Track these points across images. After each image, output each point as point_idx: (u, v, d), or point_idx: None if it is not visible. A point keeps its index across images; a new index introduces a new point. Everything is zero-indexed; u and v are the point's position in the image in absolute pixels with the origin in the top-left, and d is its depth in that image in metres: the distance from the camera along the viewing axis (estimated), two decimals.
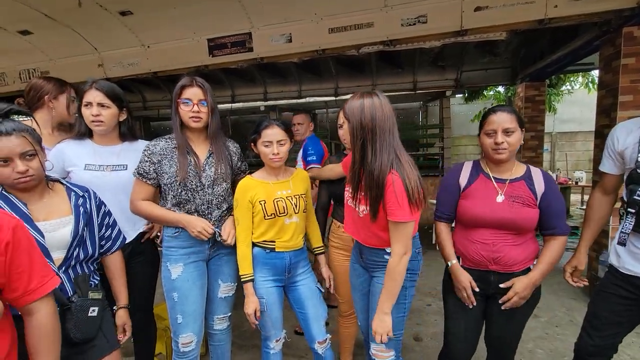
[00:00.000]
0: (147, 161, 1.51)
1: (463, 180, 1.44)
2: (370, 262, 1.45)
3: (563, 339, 2.40)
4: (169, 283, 1.56)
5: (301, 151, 2.72)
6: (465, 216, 1.41)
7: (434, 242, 4.69)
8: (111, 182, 1.57)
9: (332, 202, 1.92)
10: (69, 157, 1.55)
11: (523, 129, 1.37)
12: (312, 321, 1.61)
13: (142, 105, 6.13)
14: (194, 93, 1.50)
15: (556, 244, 1.36)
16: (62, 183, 1.29)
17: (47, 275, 0.97)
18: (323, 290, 1.70)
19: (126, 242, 1.60)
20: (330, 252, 1.88)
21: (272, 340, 1.63)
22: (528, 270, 1.38)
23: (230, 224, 1.58)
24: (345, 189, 1.45)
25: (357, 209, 1.35)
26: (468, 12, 2.71)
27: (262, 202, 1.51)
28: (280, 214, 1.53)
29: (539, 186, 1.35)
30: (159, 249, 1.77)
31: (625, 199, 1.36)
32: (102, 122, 1.54)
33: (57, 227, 1.18)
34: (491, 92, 8.00)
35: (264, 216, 1.52)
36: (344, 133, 1.33)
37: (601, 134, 2.87)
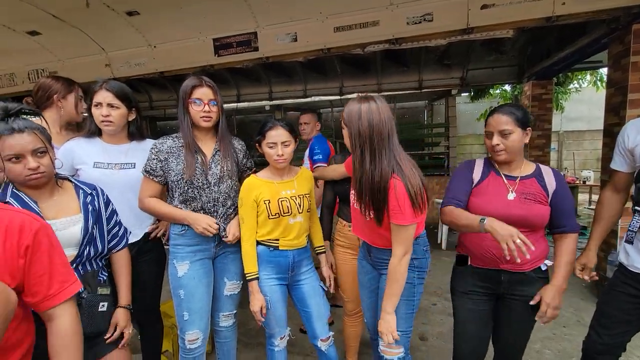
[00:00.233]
0: (154, 159, 1.53)
1: (476, 175, 1.43)
2: (378, 260, 1.45)
3: (571, 339, 2.38)
4: (175, 280, 1.57)
5: (307, 150, 2.73)
6: (477, 212, 1.37)
7: (439, 241, 4.68)
8: (119, 180, 1.59)
9: (337, 200, 1.93)
10: (79, 155, 1.57)
11: (528, 129, 1.35)
12: (315, 319, 1.62)
13: (149, 104, 6.18)
14: (204, 93, 1.51)
15: (569, 242, 1.35)
16: (70, 181, 1.31)
17: (67, 280, 0.97)
18: (326, 289, 1.70)
19: (133, 240, 1.62)
20: (335, 250, 1.88)
21: (276, 338, 1.64)
22: (538, 269, 1.36)
23: (235, 225, 1.59)
24: (351, 190, 1.45)
25: (363, 212, 1.35)
26: (474, 10, 2.69)
27: (267, 202, 1.52)
28: (284, 213, 1.54)
29: (550, 183, 1.34)
30: (165, 247, 1.79)
31: (634, 197, 1.35)
32: (111, 122, 1.56)
33: (67, 225, 1.20)
34: (497, 91, 7.94)
35: (268, 216, 1.53)
36: (345, 137, 1.32)
37: (610, 133, 2.83)
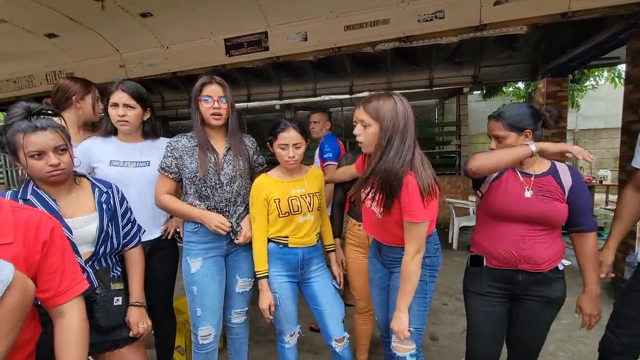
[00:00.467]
0: (169, 156, 1.56)
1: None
2: (388, 258, 1.45)
3: (586, 342, 2.33)
4: (188, 277, 1.60)
5: (318, 149, 2.74)
6: (494, 210, 1.36)
7: (450, 241, 4.63)
8: (135, 177, 1.63)
9: (348, 199, 1.93)
10: (95, 153, 1.61)
11: (526, 131, 1.31)
12: (328, 318, 1.62)
13: (161, 105, 6.28)
14: (213, 90, 1.53)
15: (590, 245, 1.33)
16: (87, 178, 1.34)
17: (77, 277, 0.99)
18: (338, 287, 1.71)
19: (149, 238, 1.66)
20: (346, 249, 1.89)
21: (286, 335, 1.66)
22: (556, 269, 1.34)
23: (247, 226, 1.61)
24: (362, 192, 1.45)
25: (374, 209, 1.36)
26: (487, 7, 2.65)
27: (277, 201, 1.53)
28: (294, 212, 1.55)
29: (567, 181, 1.32)
30: (178, 245, 1.82)
31: None
32: (127, 122, 1.60)
33: (83, 224, 1.23)
34: (510, 89, 7.80)
35: (278, 214, 1.54)
36: (369, 134, 1.29)
37: (628, 131, 2.75)
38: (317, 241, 1.67)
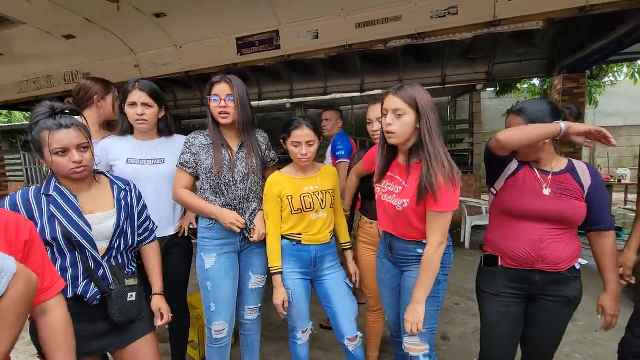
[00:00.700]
0: (187, 152, 1.60)
1: (513, 164, 1.38)
2: (400, 257, 1.44)
3: (603, 344, 2.27)
4: (203, 272, 1.63)
5: (330, 147, 2.73)
6: (511, 208, 1.33)
7: (462, 240, 4.58)
8: (151, 174, 1.67)
9: (359, 197, 1.93)
10: (112, 152, 1.65)
11: None
12: (340, 316, 1.62)
13: (174, 104, 6.37)
14: (221, 89, 1.55)
15: (609, 244, 1.30)
16: (106, 176, 1.38)
17: (56, 276, 1.01)
18: (352, 286, 1.71)
19: (164, 235, 1.70)
20: (358, 247, 1.89)
21: (298, 331, 1.67)
22: (573, 268, 1.31)
23: (261, 224, 1.63)
24: (376, 186, 1.45)
25: (394, 203, 1.35)
26: (502, 2, 2.59)
27: (289, 198, 1.55)
28: (306, 209, 1.56)
29: (585, 179, 1.29)
30: (193, 241, 1.86)
31: None
32: (145, 120, 1.65)
33: (102, 220, 1.27)
34: (525, 85, 7.64)
35: (291, 211, 1.55)
36: (403, 123, 1.28)
37: None
38: (331, 239, 1.68)
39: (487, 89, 6.99)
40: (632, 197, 6.53)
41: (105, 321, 1.26)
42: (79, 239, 1.19)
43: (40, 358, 1.22)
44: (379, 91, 5.17)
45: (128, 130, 1.71)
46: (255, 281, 1.73)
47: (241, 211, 1.62)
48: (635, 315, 1.42)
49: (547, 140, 1.27)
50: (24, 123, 10.33)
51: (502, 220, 1.38)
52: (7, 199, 1.16)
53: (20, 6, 2.77)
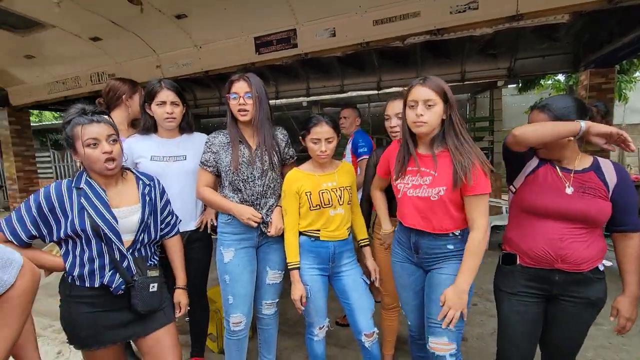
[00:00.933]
0: (208, 151, 1.65)
1: (533, 162, 1.35)
2: (427, 256, 1.42)
3: (629, 350, 2.18)
4: (221, 266, 1.68)
5: (350, 145, 2.71)
6: (532, 205, 1.31)
7: None
8: (174, 171, 1.73)
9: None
10: (137, 150, 1.72)
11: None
12: (357, 312, 1.63)
13: (194, 103, 6.52)
14: (240, 87, 1.59)
15: (633, 244, 1.25)
16: (132, 171, 1.44)
17: None
18: (369, 282, 1.71)
19: (185, 230, 1.75)
20: (374, 244, 1.89)
21: (315, 327, 1.69)
22: (596, 269, 1.27)
23: (277, 217, 1.66)
24: (397, 184, 1.43)
25: (426, 194, 1.34)
26: None
27: (308, 194, 1.56)
28: (325, 205, 1.57)
29: (611, 177, 1.24)
30: (213, 237, 1.91)
31: None
32: (174, 118, 1.72)
33: (128, 214, 1.33)
34: (549, 81, 7.38)
35: (310, 207, 1.57)
36: (434, 113, 1.31)
37: None
38: (348, 235, 1.69)
39: (509, 86, 6.80)
40: None
41: (129, 310, 1.32)
42: (106, 231, 1.25)
43: (68, 342, 1.30)
44: (397, 89, 5.10)
45: (151, 128, 1.77)
46: (273, 276, 1.76)
47: (258, 207, 1.65)
48: None
49: (572, 138, 1.24)
50: (53, 122, 10.82)
51: (521, 218, 1.36)
52: (42, 190, 1.24)
53: (51, 10, 2.91)
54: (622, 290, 1.30)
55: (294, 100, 6.27)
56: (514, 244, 1.37)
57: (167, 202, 1.51)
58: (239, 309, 1.67)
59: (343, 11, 3.04)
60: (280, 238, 1.67)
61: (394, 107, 1.74)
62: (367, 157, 2.49)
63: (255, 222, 1.58)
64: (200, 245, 1.84)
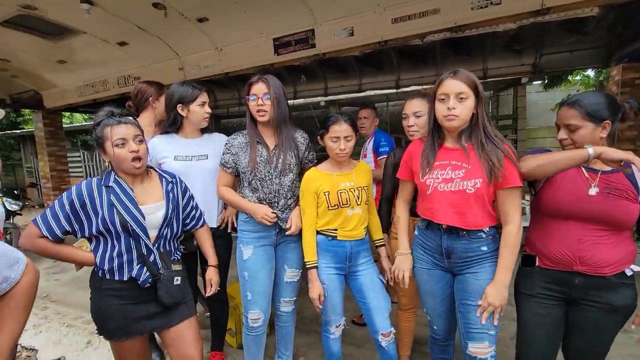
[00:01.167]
0: (227, 153, 1.70)
1: None
2: (461, 260, 1.38)
3: None
4: (241, 263, 1.72)
5: (371, 144, 2.71)
6: (552, 206, 1.27)
7: None
8: (197, 170, 1.79)
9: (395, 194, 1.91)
10: (161, 150, 1.79)
11: (605, 122, 1.20)
12: (374, 312, 1.63)
13: (214, 104, 6.66)
14: (258, 88, 1.62)
15: None
16: (155, 170, 1.51)
17: None
18: (386, 282, 1.71)
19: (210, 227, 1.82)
20: (392, 244, 1.88)
21: (332, 326, 1.70)
22: (622, 274, 1.21)
23: (296, 215, 1.68)
24: (426, 180, 1.39)
25: (461, 187, 1.31)
26: None
27: (326, 193, 1.58)
28: (343, 205, 1.58)
29: None
30: (233, 235, 1.97)
31: None
32: (209, 118, 1.83)
33: (153, 210, 1.40)
34: (577, 77, 7.06)
35: (327, 207, 1.58)
36: (466, 107, 1.29)
37: None
38: (365, 235, 1.69)
39: (534, 82, 6.55)
40: None
41: (155, 303, 1.39)
42: (134, 227, 1.32)
43: (98, 333, 1.37)
44: (416, 87, 5.02)
45: (176, 127, 1.83)
46: (290, 275, 1.79)
47: (276, 205, 1.68)
48: None
49: (603, 136, 1.20)
50: (83, 124, 11.33)
51: (541, 219, 1.32)
52: (74, 188, 1.31)
53: (81, 17, 3.06)
54: None
55: (312, 100, 6.29)
56: (533, 244, 1.34)
57: (190, 197, 1.57)
58: (258, 305, 1.71)
59: (361, 10, 3.02)
60: (298, 237, 1.69)
61: (412, 106, 1.73)
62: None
63: (269, 221, 1.61)
64: (221, 242, 1.89)
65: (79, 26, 3.48)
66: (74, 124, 11.46)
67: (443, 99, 1.31)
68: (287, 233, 1.66)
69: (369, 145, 2.72)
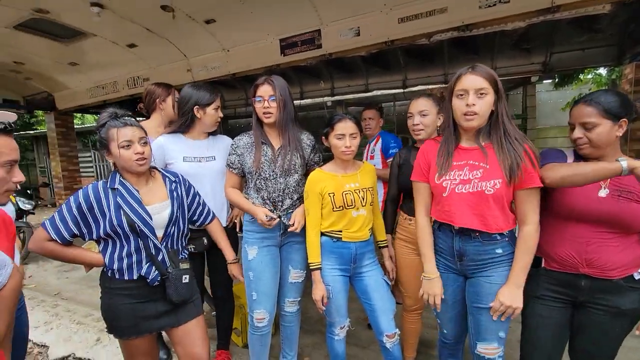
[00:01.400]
0: (233, 154, 1.72)
1: (569, 159, 1.29)
2: (473, 262, 1.34)
3: None
4: (246, 263, 1.74)
5: (379, 145, 2.68)
6: (560, 207, 1.25)
7: None
8: (206, 171, 1.82)
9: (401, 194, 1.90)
10: (169, 150, 1.81)
11: (622, 120, 1.17)
12: (379, 313, 1.63)
13: (221, 105, 6.71)
14: (264, 90, 1.63)
15: None
16: (158, 170, 1.53)
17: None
18: (390, 283, 1.70)
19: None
20: (396, 244, 1.87)
21: (336, 327, 1.70)
22: (631, 278, 1.19)
23: (300, 213, 1.68)
24: (442, 181, 1.33)
25: (479, 188, 1.25)
26: None
27: (331, 195, 1.58)
28: (348, 206, 1.58)
29: None
30: (239, 235, 1.98)
31: None
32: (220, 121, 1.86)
33: (159, 210, 1.41)
34: (589, 76, 6.92)
35: (332, 208, 1.58)
36: (486, 103, 1.24)
37: None
38: (370, 236, 1.68)
39: (544, 81, 6.44)
40: None
41: (164, 301, 1.41)
42: (142, 227, 1.34)
43: (107, 332, 1.40)
44: (423, 87, 4.99)
45: (188, 128, 1.84)
46: (295, 275, 1.79)
47: (281, 204, 1.69)
48: None
49: (619, 134, 1.18)
50: (94, 125, 11.52)
51: (548, 219, 1.30)
52: (80, 191, 1.34)
53: (92, 20, 3.11)
54: None
55: (319, 100, 6.29)
56: (540, 246, 1.31)
57: (194, 195, 1.59)
58: (262, 305, 1.72)
59: (367, 10, 3.02)
60: (302, 238, 1.70)
61: (418, 105, 1.72)
62: None
63: (269, 224, 1.61)
64: (229, 240, 1.91)
65: (89, 29, 3.55)
66: (85, 125, 11.66)
67: (462, 95, 1.25)
68: (289, 229, 1.66)
69: (377, 147, 2.71)
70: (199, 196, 1.62)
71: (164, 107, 2.06)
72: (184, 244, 1.54)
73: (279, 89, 1.63)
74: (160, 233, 1.41)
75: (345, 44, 3.23)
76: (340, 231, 1.61)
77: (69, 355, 2.43)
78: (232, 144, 1.74)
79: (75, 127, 6.87)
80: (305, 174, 1.75)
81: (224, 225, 1.89)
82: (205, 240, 1.78)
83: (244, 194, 1.75)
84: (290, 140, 1.68)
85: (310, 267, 1.63)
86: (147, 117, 2.12)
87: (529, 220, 1.24)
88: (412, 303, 1.90)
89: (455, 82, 1.28)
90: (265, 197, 1.68)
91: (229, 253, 1.70)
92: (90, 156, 10.24)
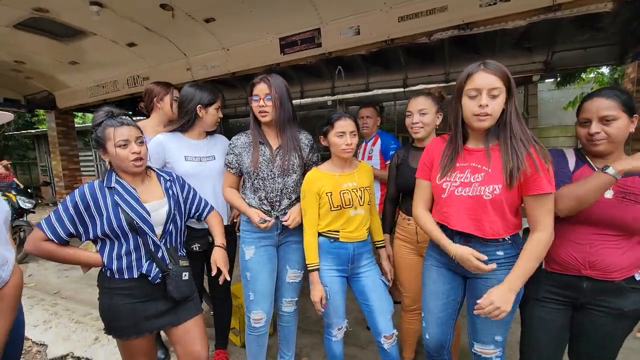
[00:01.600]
0: (231, 153, 1.71)
1: (570, 165, 1.26)
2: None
3: None
4: (243, 262, 1.73)
5: (378, 145, 2.65)
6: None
7: None
8: (207, 171, 1.82)
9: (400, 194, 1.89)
10: (169, 149, 1.79)
11: (634, 116, 1.16)
12: (377, 314, 1.62)
13: (221, 104, 6.70)
14: (260, 89, 1.62)
15: None
16: (153, 169, 1.53)
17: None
18: (388, 283, 1.69)
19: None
20: (394, 244, 1.86)
21: (334, 328, 1.69)
22: (632, 279, 1.18)
23: (296, 210, 1.67)
24: (442, 182, 1.30)
25: (478, 192, 1.21)
26: None
27: (329, 194, 1.56)
28: (346, 205, 1.57)
29: None
30: (237, 234, 1.98)
31: None
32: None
33: (157, 207, 1.42)
34: (591, 75, 6.87)
35: (330, 208, 1.57)
36: (499, 103, 1.18)
37: None
38: (367, 236, 1.67)
39: (545, 80, 6.41)
40: None
41: (164, 300, 1.40)
42: (140, 224, 1.33)
43: (106, 332, 1.39)
44: (423, 86, 4.97)
45: (188, 127, 1.84)
46: (292, 275, 1.78)
47: (278, 204, 1.68)
48: None
49: (632, 131, 1.17)
50: (92, 125, 11.54)
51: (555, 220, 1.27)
52: (77, 190, 1.33)
53: (91, 18, 3.11)
54: None
55: (319, 99, 6.28)
56: None
57: (189, 191, 1.59)
58: (260, 305, 1.71)
59: (367, 9, 3.00)
60: (300, 238, 1.69)
61: (417, 104, 1.71)
62: None
63: (264, 227, 1.60)
64: (230, 239, 1.91)
65: (89, 28, 3.54)
66: (87, 124, 11.69)
67: (474, 96, 1.17)
68: (284, 224, 1.64)
69: (375, 147, 2.68)
70: (194, 191, 1.62)
71: (162, 106, 2.05)
72: (182, 242, 1.53)
73: (275, 87, 1.62)
74: (158, 230, 1.41)
75: (345, 43, 3.22)
76: (338, 231, 1.60)
77: (68, 354, 2.43)
78: (230, 144, 1.74)
79: (76, 126, 6.88)
80: (304, 174, 1.74)
81: (225, 224, 1.88)
82: (211, 239, 1.77)
83: (241, 194, 1.75)
84: (288, 140, 1.67)
85: (308, 268, 1.62)
86: (148, 116, 2.12)
87: (539, 226, 1.17)
88: (410, 303, 1.88)
89: (466, 81, 1.20)
90: (263, 197, 1.67)
91: (219, 238, 1.60)
92: (92, 155, 10.27)
